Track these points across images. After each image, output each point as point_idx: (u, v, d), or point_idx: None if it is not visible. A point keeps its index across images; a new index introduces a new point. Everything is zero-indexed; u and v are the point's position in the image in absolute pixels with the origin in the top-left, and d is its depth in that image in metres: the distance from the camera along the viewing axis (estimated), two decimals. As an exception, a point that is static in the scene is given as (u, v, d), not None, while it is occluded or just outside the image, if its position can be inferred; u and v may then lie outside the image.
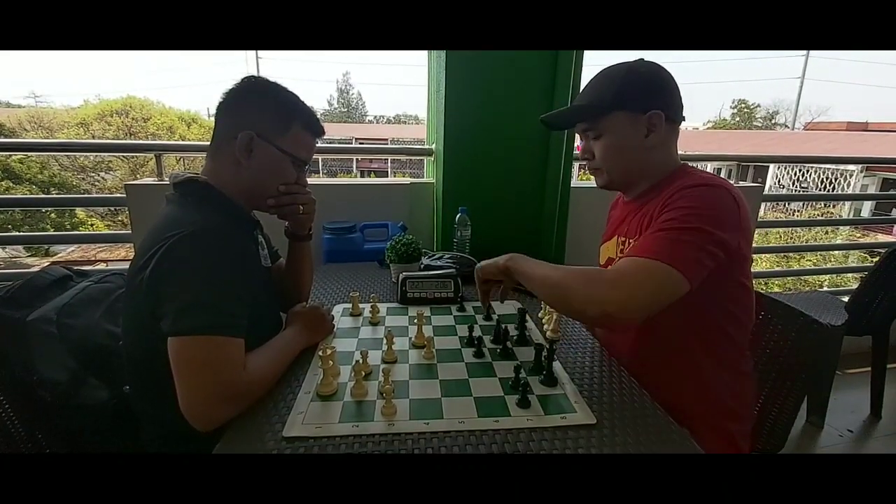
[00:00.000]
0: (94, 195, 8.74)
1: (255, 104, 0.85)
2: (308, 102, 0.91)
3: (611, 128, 0.89)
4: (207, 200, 0.83)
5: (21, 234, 6.23)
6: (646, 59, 0.89)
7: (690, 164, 0.94)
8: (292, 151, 0.87)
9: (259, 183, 0.87)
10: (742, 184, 2.24)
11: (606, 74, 0.89)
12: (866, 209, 8.83)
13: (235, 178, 0.85)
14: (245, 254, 0.86)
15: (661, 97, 0.87)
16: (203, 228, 0.75)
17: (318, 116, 0.92)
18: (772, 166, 10.48)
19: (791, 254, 5.90)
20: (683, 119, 0.91)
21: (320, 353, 0.77)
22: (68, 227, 9.25)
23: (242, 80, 0.86)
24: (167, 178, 1.68)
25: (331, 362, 0.77)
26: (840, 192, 9.59)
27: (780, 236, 6.65)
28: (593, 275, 0.77)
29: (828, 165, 9.50)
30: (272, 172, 0.87)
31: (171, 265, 0.72)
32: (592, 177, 0.99)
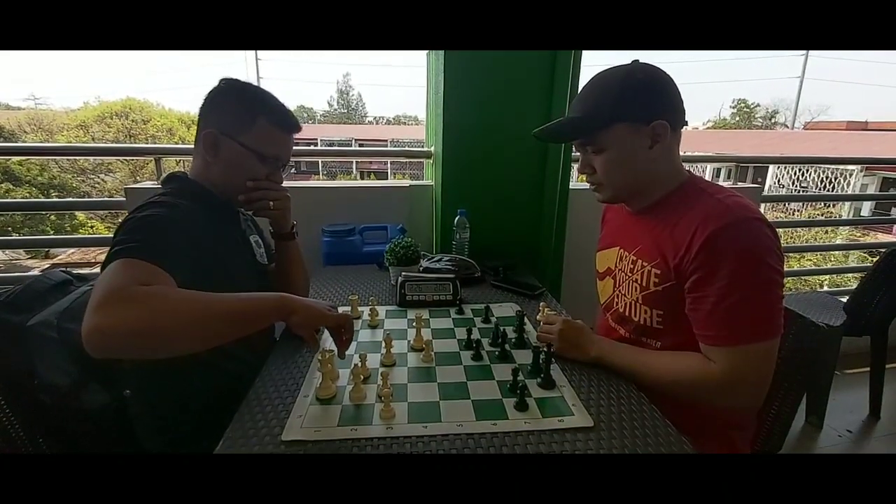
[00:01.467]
0: (95, 199, 8.72)
1: (221, 103, 0.89)
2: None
3: (612, 142, 0.83)
4: (187, 190, 0.87)
5: (21, 237, 6.23)
6: (642, 62, 0.83)
7: (688, 164, 0.90)
8: (255, 147, 0.88)
9: (227, 179, 0.90)
10: (741, 184, 2.25)
11: (602, 81, 0.83)
12: (866, 209, 8.83)
13: (209, 176, 0.89)
14: (213, 234, 0.86)
15: (664, 104, 0.81)
16: (162, 200, 0.78)
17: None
18: (771, 166, 10.47)
19: (791, 254, 5.90)
20: (686, 124, 0.85)
21: (319, 356, 0.77)
22: (68, 229, 9.25)
23: (218, 82, 0.90)
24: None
25: (329, 366, 0.77)
26: (840, 191, 9.58)
27: (780, 236, 6.63)
28: (707, 379, 0.75)
29: (827, 165, 9.50)
30: (238, 168, 0.89)
31: (123, 221, 0.74)
32: (592, 191, 0.93)
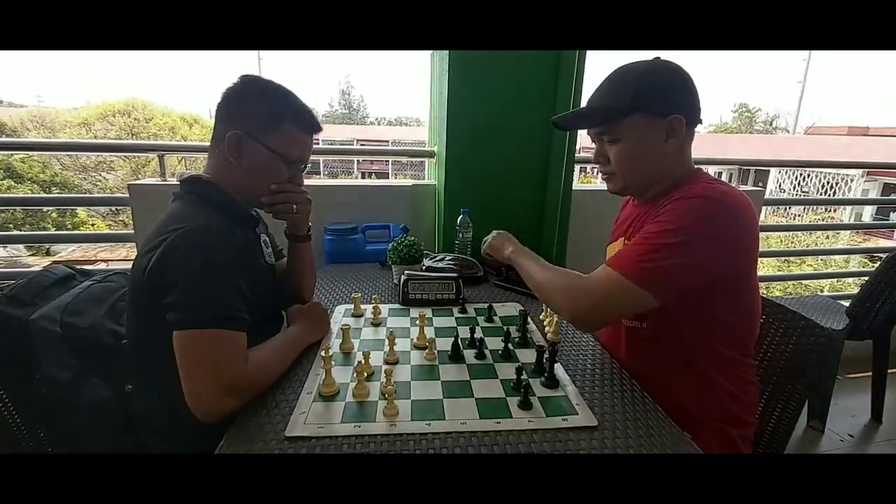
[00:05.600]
0: (97, 195, 8.74)
1: (245, 103, 0.86)
2: (309, 104, 0.91)
3: (629, 132, 0.84)
4: (210, 197, 0.85)
5: (22, 233, 6.23)
6: (663, 59, 0.84)
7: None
8: (282, 150, 0.87)
9: (251, 182, 0.88)
10: (743, 188, 2.24)
11: (623, 73, 0.84)
12: (867, 214, 8.83)
13: (229, 177, 0.87)
14: (245, 250, 0.87)
15: (682, 99, 0.83)
16: (205, 224, 0.77)
17: (318, 115, 0.92)
18: (773, 170, 10.48)
19: (792, 258, 5.89)
20: (700, 122, 0.86)
21: (322, 353, 0.77)
22: (69, 226, 9.25)
23: (238, 79, 0.87)
24: (170, 178, 1.69)
25: (333, 362, 0.77)
26: (841, 196, 9.58)
27: (781, 240, 6.64)
28: (570, 283, 0.84)
29: (829, 170, 9.51)
30: (263, 171, 0.88)
31: (174, 258, 0.73)
32: (604, 181, 0.94)
